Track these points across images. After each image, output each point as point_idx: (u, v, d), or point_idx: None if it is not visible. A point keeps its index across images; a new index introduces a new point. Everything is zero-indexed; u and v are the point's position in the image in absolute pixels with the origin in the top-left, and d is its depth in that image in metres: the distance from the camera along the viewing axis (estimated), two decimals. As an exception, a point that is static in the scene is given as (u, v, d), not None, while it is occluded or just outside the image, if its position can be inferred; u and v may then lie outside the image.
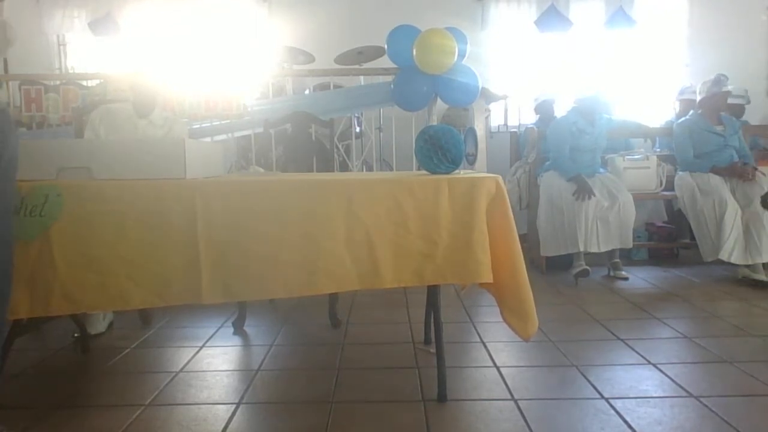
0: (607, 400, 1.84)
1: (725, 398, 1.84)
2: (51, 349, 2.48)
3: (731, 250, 3.45)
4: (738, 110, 4.36)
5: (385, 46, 3.79)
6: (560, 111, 4.39)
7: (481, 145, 4.08)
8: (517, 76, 5.50)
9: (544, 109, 4.73)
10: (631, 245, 3.65)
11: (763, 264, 3.44)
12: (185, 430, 1.70)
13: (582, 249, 3.49)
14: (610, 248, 3.59)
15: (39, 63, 5.22)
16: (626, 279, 3.65)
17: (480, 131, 4.09)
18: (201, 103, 3.79)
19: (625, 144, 4.52)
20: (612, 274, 3.75)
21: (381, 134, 4.57)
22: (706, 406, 1.78)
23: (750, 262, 3.44)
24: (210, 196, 1.72)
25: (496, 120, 5.42)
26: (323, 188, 1.76)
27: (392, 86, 3.82)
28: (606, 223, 3.53)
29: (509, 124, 5.34)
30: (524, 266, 1.82)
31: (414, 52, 3.57)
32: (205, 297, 1.71)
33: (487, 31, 5.45)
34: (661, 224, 4.37)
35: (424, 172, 2.00)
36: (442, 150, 1.91)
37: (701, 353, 2.27)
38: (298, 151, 3.47)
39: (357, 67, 4.46)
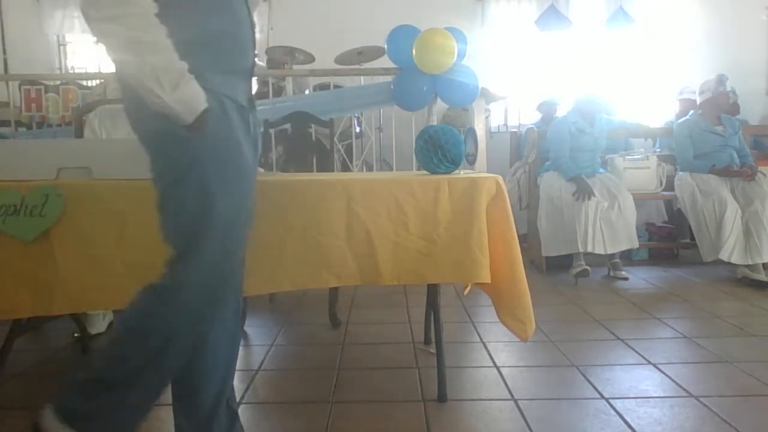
0: (607, 400, 1.84)
1: (725, 398, 1.84)
2: (51, 349, 2.48)
3: (731, 250, 3.45)
4: (734, 108, 4.34)
5: (385, 46, 3.79)
6: (563, 113, 4.39)
7: (481, 145, 4.08)
8: (517, 76, 5.50)
9: (547, 110, 4.73)
10: (637, 245, 3.66)
11: (763, 264, 3.44)
12: (185, 430, 1.69)
13: (582, 249, 3.49)
14: (618, 250, 3.59)
15: (39, 63, 5.22)
16: (626, 279, 3.65)
17: (480, 131, 4.08)
18: (201, 103, 3.77)
19: (625, 144, 4.52)
20: (612, 274, 3.75)
21: (381, 134, 4.57)
22: (706, 406, 1.78)
23: (750, 262, 3.44)
24: (210, 196, 1.72)
25: (496, 120, 5.42)
26: (323, 188, 1.76)
27: (392, 86, 3.82)
28: (610, 224, 3.52)
29: (509, 124, 5.35)
30: (522, 267, 1.82)
31: (414, 52, 3.57)
32: (205, 297, 1.71)
33: (487, 31, 5.45)
34: (661, 224, 4.37)
35: (424, 172, 2.00)
36: (442, 150, 1.91)
37: (701, 353, 2.27)
38: (298, 151, 3.47)
39: (357, 67, 4.46)
